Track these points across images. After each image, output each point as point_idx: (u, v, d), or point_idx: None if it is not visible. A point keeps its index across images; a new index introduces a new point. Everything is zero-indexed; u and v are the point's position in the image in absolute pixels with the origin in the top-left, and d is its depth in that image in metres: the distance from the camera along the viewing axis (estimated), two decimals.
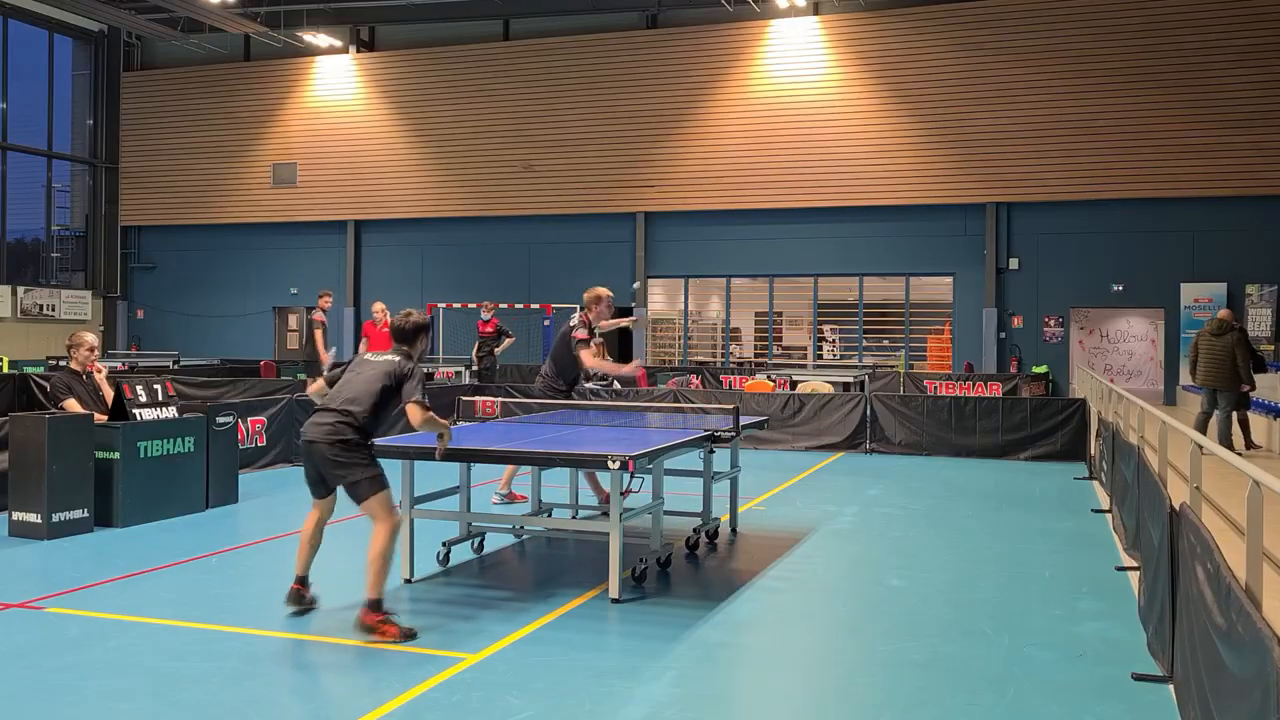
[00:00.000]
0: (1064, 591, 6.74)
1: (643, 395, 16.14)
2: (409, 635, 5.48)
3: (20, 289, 27.92)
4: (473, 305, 23.02)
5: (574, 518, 8.54)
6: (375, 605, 5.53)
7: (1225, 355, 13.14)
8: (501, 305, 25.70)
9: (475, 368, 18.10)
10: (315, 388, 6.28)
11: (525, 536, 8.13)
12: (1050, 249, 22.97)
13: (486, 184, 26.57)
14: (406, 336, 6.08)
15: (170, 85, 29.88)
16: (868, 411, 14.34)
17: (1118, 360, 25.84)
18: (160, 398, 9.18)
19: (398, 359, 5.93)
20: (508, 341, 18.04)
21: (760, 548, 8.03)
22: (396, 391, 5.82)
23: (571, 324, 9.07)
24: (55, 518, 7.96)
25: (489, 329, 17.81)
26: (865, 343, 25.14)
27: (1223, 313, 13.97)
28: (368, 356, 6.11)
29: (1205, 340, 13.47)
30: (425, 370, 6.79)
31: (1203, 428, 13.26)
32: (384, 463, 5.87)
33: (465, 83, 26.86)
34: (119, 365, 20.94)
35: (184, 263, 29.84)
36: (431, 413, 5.82)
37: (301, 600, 6.01)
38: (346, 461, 5.71)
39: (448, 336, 25.62)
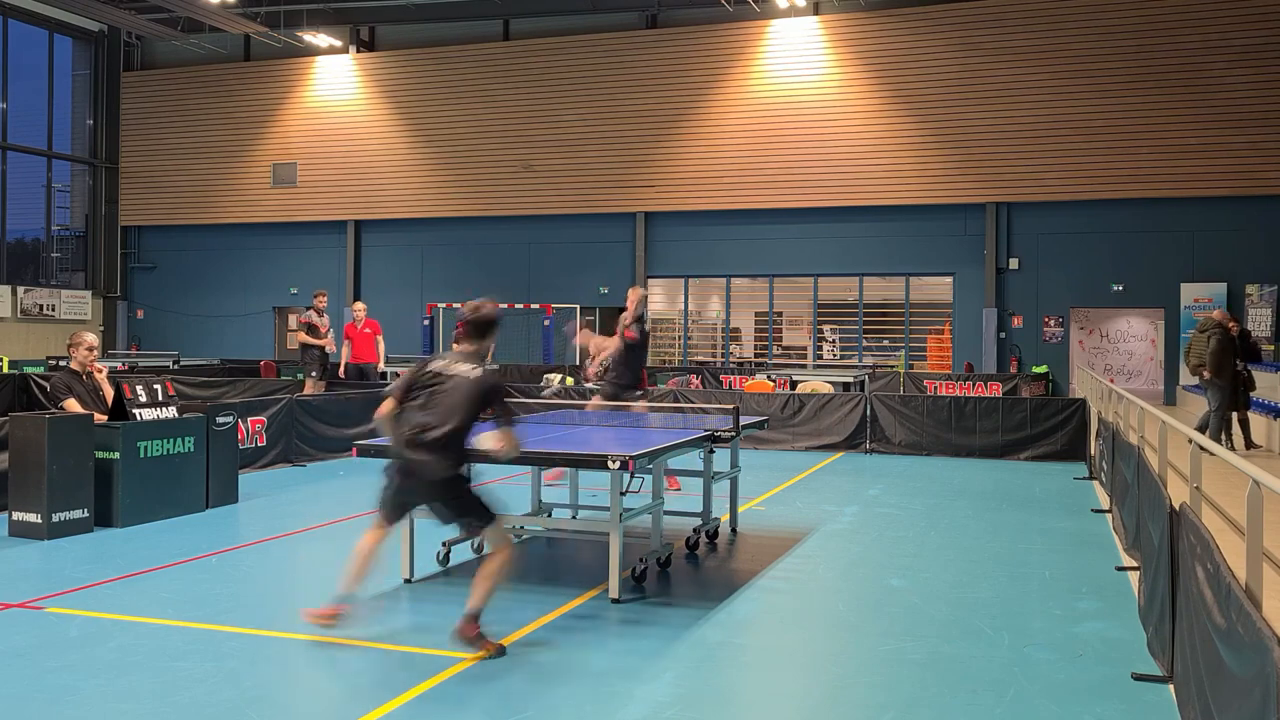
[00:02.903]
0: (1064, 591, 6.74)
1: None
2: (500, 651, 5.27)
3: (20, 289, 27.92)
4: None
5: (574, 518, 8.54)
6: (476, 618, 5.29)
7: (1204, 352, 13.39)
8: (502, 305, 25.67)
9: None
10: (385, 410, 5.55)
11: (525, 536, 8.13)
12: (1050, 249, 22.98)
13: (486, 184, 26.57)
14: (481, 331, 5.65)
15: (170, 85, 29.88)
16: (868, 411, 14.34)
17: (1118, 360, 25.85)
18: (160, 398, 9.18)
19: (480, 372, 5.47)
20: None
21: (760, 548, 8.02)
22: (485, 408, 5.45)
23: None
24: (55, 518, 7.95)
25: None
26: (865, 343, 25.14)
27: (1216, 312, 14.16)
28: (442, 367, 5.53)
29: (1195, 337, 13.87)
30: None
31: (1204, 426, 13.34)
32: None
33: (465, 83, 26.86)
34: (119, 365, 20.94)
35: (184, 263, 29.84)
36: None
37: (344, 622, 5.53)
38: (460, 500, 5.45)
39: (448, 336, 25.60)
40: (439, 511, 5.53)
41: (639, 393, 10.55)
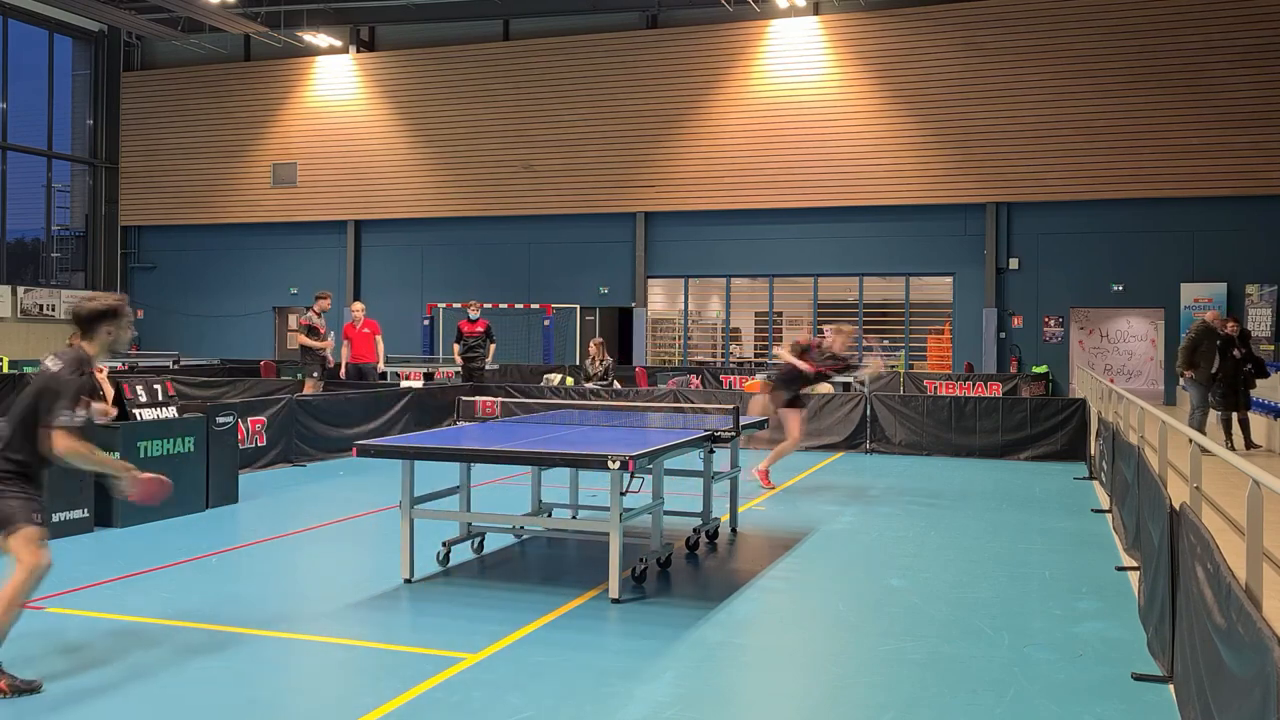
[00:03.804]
0: (1064, 591, 6.74)
1: (642, 395, 16.15)
2: (26, 688, 4.60)
3: (20, 289, 27.92)
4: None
5: (574, 518, 8.54)
6: None
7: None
8: (502, 305, 25.71)
9: (460, 367, 17.85)
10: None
11: (525, 536, 8.13)
12: (1050, 249, 22.97)
13: (486, 184, 26.56)
14: (82, 323, 4.93)
15: (170, 85, 29.87)
16: (868, 411, 14.33)
17: (1118, 360, 25.84)
18: (160, 398, 9.17)
19: (56, 367, 4.81)
20: (493, 348, 17.73)
21: (760, 548, 8.02)
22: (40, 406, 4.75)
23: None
24: (55, 518, 7.95)
25: (477, 329, 17.50)
26: (865, 343, 25.13)
27: (1208, 314, 14.33)
28: (43, 360, 4.98)
29: None
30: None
31: (1213, 423, 13.44)
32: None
33: (465, 83, 26.85)
34: (119, 365, 20.93)
35: (184, 263, 29.84)
36: (80, 444, 4.77)
37: None
38: None
39: (447, 336, 25.60)
40: None
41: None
